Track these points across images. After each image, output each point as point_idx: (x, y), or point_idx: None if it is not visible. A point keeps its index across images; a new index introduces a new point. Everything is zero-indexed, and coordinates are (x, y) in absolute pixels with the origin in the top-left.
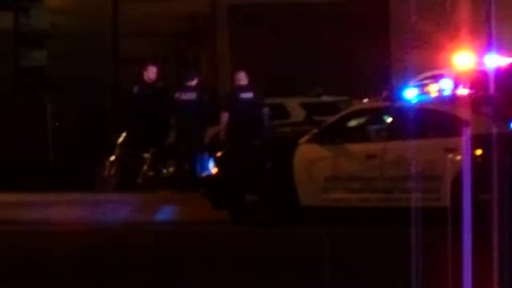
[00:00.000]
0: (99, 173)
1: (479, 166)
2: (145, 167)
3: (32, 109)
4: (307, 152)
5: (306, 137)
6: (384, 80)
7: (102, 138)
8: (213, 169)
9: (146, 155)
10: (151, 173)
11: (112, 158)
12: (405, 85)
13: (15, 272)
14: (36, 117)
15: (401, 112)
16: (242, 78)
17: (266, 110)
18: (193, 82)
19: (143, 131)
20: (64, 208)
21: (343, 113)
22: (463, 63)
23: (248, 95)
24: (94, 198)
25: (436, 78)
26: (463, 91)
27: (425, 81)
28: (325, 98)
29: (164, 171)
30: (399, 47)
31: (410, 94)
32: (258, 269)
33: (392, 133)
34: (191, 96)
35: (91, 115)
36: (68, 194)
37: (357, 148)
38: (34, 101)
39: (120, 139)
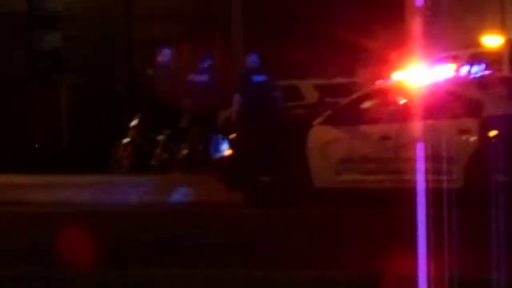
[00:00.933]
0: (113, 156)
1: (494, 147)
2: (159, 150)
3: (46, 91)
4: (320, 133)
5: (319, 119)
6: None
7: (116, 120)
8: (226, 151)
9: (160, 138)
10: (165, 155)
11: (126, 140)
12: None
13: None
14: (50, 99)
15: (415, 94)
16: (255, 61)
17: (278, 92)
18: (206, 64)
19: (157, 113)
20: (78, 190)
21: (357, 94)
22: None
23: (261, 77)
24: (108, 180)
25: (451, 58)
26: (478, 72)
27: (441, 62)
28: (339, 80)
29: (179, 153)
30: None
31: (425, 74)
32: (269, 251)
33: (406, 114)
34: (204, 78)
35: (105, 98)
36: (83, 176)
37: (371, 129)
38: (48, 83)
39: (134, 122)
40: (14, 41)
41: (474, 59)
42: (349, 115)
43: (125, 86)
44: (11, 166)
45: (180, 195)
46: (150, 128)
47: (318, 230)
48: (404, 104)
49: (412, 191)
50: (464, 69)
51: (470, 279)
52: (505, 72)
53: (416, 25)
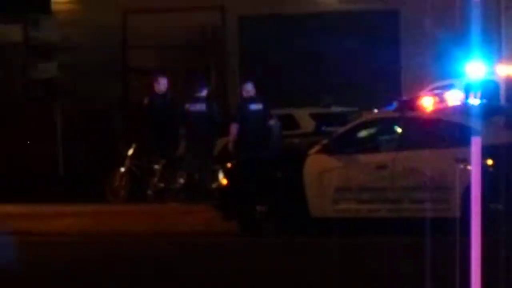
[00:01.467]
0: (109, 184)
1: (490, 176)
2: (155, 179)
3: (42, 119)
4: (316, 162)
5: (315, 148)
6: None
7: (111, 149)
8: (223, 180)
9: (156, 167)
10: (161, 185)
11: (122, 169)
12: (415, 95)
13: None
14: (45, 127)
15: (411, 122)
16: (251, 89)
17: (273, 121)
18: (203, 93)
19: (153, 142)
20: (76, 219)
21: (353, 123)
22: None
23: (257, 106)
24: (105, 209)
25: (447, 88)
26: (474, 101)
27: (436, 91)
28: (335, 109)
29: (174, 182)
30: (409, 58)
31: (421, 104)
32: (265, 280)
33: (402, 143)
34: (201, 107)
35: (99, 126)
36: (80, 205)
37: (367, 158)
38: (43, 110)
39: (130, 151)
40: (10, 70)
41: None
42: (345, 144)
43: (120, 114)
44: (7, 195)
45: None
46: (146, 157)
47: (314, 260)
48: (400, 133)
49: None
50: (460, 98)
51: None
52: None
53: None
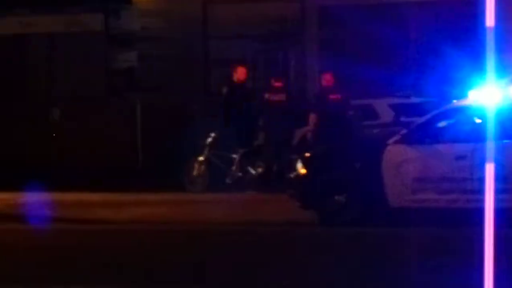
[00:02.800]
0: (188, 174)
1: None
2: (234, 168)
3: (123, 109)
4: (395, 153)
5: (394, 138)
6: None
7: (191, 138)
8: (301, 169)
9: (235, 156)
10: (239, 174)
11: (201, 158)
12: (497, 85)
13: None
14: (126, 117)
15: (491, 113)
16: (330, 79)
17: (352, 111)
18: (281, 83)
19: (232, 132)
20: (154, 208)
21: (432, 113)
22: None
23: (336, 96)
24: (183, 198)
25: None
26: None
27: None
28: (414, 99)
29: (252, 171)
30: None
31: (501, 94)
32: (343, 270)
33: (482, 134)
34: (280, 97)
35: (180, 116)
36: (158, 194)
37: (446, 149)
38: (124, 102)
39: (209, 140)
40: (91, 60)
41: None
42: (424, 134)
43: (200, 104)
44: (87, 183)
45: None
46: (225, 146)
47: (390, 250)
48: (480, 124)
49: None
50: None
51: None
52: None
53: (488, 45)
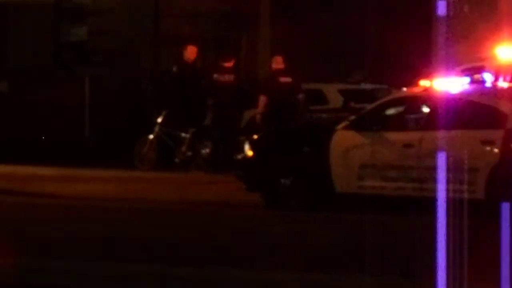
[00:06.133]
0: (138, 151)
1: None
2: (184, 147)
3: (71, 83)
4: (343, 138)
5: (343, 124)
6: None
7: (139, 116)
8: (248, 151)
9: (185, 135)
10: (189, 153)
11: (151, 136)
12: (445, 75)
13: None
14: (75, 91)
15: (440, 102)
16: (281, 62)
17: (301, 95)
18: (230, 64)
19: (183, 111)
20: (101, 185)
21: (381, 101)
22: (505, 55)
23: (287, 79)
24: (130, 175)
25: (477, 69)
26: (503, 84)
27: (466, 72)
28: (364, 86)
29: (202, 151)
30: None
31: (450, 84)
32: (285, 255)
33: (430, 123)
34: (229, 78)
35: (129, 92)
36: (106, 171)
37: (394, 136)
38: (73, 75)
39: (160, 118)
40: (41, 33)
41: (499, 70)
42: (373, 121)
43: (150, 81)
44: (34, 157)
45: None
46: (176, 125)
47: (336, 235)
48: (429, 113)
49: (433, 200)
50: (489, 80)
51: None
52: None
53: (439, 35)
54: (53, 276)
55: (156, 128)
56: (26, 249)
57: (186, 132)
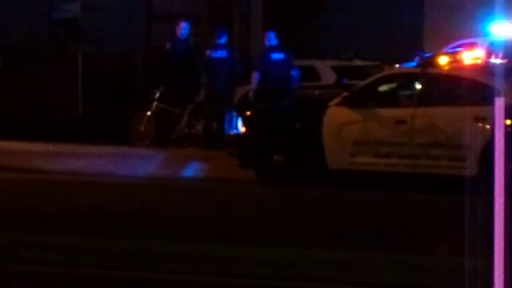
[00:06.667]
0: (135, 128)
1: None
2: (182, 124)
3: (64, 59)
4: (336, 115)
5: (336, 100)
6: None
7: (132, 92)
8: (241, 128)
9: (182, 112)
10: (186, 130)
11: (149, 113)
12: (437, 52)
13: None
14: (68, 68)
15: (432, 79)
16: (273, 39)
17: (295, 71)
18: (223, 40)
19: (178, 87)
20: (93, 160)
21: (374, 77)
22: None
23: (280, 55)
24: (125, 151)
25: (469, 46)
26: (497, 60)
27: (458, 49)
28: (357, 62)
29: (198, 128)
30: (434, 14)
31: (442, 61)
32: (278, 231)
33: (422, 99)
34: (221, 54)
35: (122, 69)
36: (100, 146)
37: (386, 113)
38: (67, 52)
39: (157, 95)
40: (34, 9)
41: (492, 47)
42: (366, 98)
43: (143, 58)
44: (26, 134)
45: (192, 170)
46: (173, 102)
47: (327, 211)
48: (421, 89)
49: (425, 176)
50: (482, 57)
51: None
52: None
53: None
54: (39, 250)
55: (154, 105)
56: (14, 225)
57: (183, 109)
